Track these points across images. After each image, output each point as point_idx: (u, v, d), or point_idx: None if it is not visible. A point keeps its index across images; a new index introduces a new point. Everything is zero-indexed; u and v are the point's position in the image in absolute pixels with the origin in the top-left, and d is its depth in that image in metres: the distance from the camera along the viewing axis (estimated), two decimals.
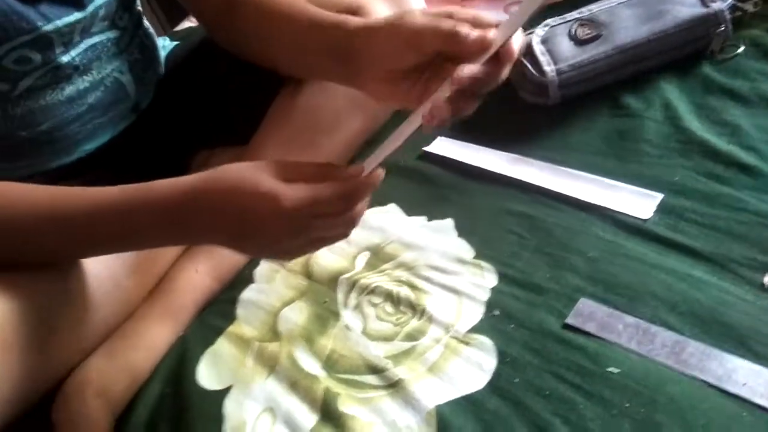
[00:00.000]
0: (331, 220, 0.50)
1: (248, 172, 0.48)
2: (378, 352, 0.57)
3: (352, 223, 0.52)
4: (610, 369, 0.49)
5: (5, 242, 0.52)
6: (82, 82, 0.67)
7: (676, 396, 0.46)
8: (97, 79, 0.69)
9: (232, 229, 0.50)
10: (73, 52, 0.65)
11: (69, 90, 0.67)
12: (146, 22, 0.79)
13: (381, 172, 0.50)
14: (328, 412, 0.53)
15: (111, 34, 0.69)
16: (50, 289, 0.55)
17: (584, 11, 0.79)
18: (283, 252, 0.55)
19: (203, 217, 0.49)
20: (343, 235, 0.53)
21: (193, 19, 1.21)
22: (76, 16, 0.63)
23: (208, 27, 0.72)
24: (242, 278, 0.68)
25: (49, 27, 0.61)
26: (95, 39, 0.67)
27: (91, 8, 0.64)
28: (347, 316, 0.61)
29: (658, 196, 0.61)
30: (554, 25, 0.79)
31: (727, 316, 0.50)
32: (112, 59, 0.70)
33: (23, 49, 0.60)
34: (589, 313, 0.54)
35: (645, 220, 0.60)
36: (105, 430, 0.56)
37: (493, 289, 0.59)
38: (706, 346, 0.49)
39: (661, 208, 0.60)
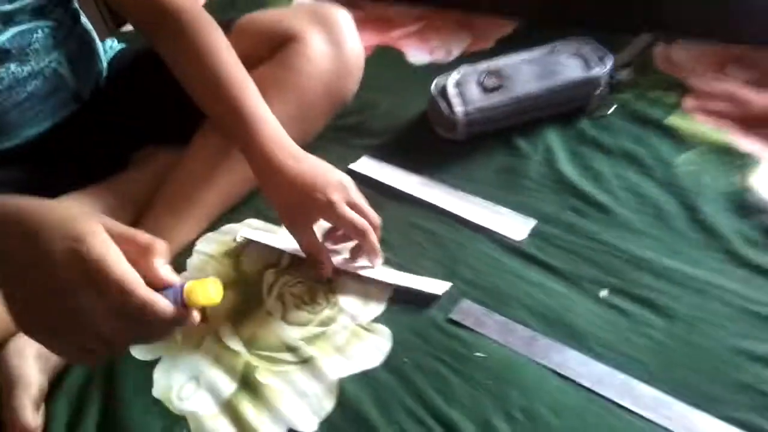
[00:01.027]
0: (131, 324, 0.41)
1: (68, 209, 0.42)
2: (294, 334, 0.67)
3: (147, 334, 0.43)
4: (478, 353, 0.61)
5: None
6: (21, 72, 0.72)
7: (525, 377, 0.59)
8: (36, 70, 0.74)
9: (14, 258, 0.40)
10: (2, 37, 0.69)
11: (9, 80, 0.71)
12: (84, 20, 0.84)
13: (196, 318, 0.44)
14: (246, 381, 0.63)
15: (41, 24, 0.73)
16: None
17: (492, 64, 0.92)
18: (65, 338, 0.42)
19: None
20: (115, 347, 0.42)
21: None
22: (6, 7, 0.68)
23: (141, 34, 0.78)
24: (175, 267, 0.76)
25: None
26: (23, 27, 0.71)
27: (17, 4, 0.69)
28: (269, 303, 0.71)
29: (532, 223, 0.74)
30: (467, 73, 0.92)
31: (570, 319, 0.64)
32: (50, 51, 0.75)
33: None
34: (468, 311, 0.66)
35: (520, 241, 0.73)
36: (41, 387, 0.62)
37: (395, 288, 0.70)
38: (550, 340, 0.62)
39: (534, 233, 0.73)
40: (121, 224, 0.43)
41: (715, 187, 0.75)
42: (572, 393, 0.58)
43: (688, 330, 0.61)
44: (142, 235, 0.43)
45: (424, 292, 0.67)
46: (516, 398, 0.58)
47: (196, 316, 0.44)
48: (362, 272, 0.70)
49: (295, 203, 0.66)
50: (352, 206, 0.67)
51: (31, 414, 0.59)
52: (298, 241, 0.69)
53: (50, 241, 0.39)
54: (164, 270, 0.43)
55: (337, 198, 0.66)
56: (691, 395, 0.56)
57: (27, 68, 0.73)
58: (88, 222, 0.40)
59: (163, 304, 0.41)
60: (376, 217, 0.69)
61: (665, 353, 0.60)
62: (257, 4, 1.21)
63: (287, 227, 0.69)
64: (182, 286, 0.43)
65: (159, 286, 0.42)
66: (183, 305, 0.43)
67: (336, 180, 0.67)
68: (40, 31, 0.73)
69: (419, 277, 0.69)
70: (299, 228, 0.69)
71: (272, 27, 0.86)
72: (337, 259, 0.71)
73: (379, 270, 0.71)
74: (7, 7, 0.69)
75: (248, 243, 0.78)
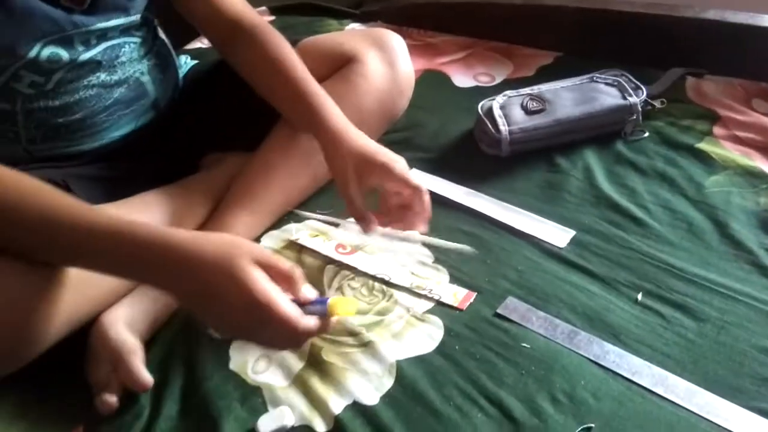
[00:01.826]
0: (280, 338, 0.57)
1: (235, 260, 0.53)
2: (354, 321, 0.74)
3: (297, 345, 0.64)
4: (524, 344, 0.68)
5: (12, 229, 0.57)
6: (109, 80, 0.80)
7: (567, 365, 0.65)
8: (122, 78, 0.82)
9: (195, 299, 0.55)
10: (94, 51, 0.77)
11: (98, 87, 0.79)
12: (163, 37, 0.93)
13: (333, 323, 0.59)
14: (313, 360, 0.69)
15: (128, 39, 0.82)
16: None
17: (535, 89, 1.00)
18: (230, 333, 0.64)
19: (174, 277, 0.54)
20: (288, 348, 0.65)
21: (203, 41, 1.39)
22: (101, 25, 0.76)
23: (217, 49, 0.88)
24: None
25: (75, 31, 0.73)
26: (113, 42, 0.79)
27: (114, 22, 0.78)
28: (330, 295, 0.78)
29: (572, 232, 0.81)
30: (511, 96, 1.00)
31: (608, 318, 0.70)
32: (134, 63, 0.83)
33: (53, 47, 0.72)
34: (514, 308, 0.73)
35: (561, 248, 0.80)
36: (140, 348, 0.69)
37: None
38: (591, 335, 0.68)
39: (573, 241, 0.80)
40: (264, 251, 0.57)
41: (742, 206, 0.81)
42: (611, 381, 0.64)
43: (717, 331, 0.68)
44: (282, 264, 0.57)
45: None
46: (559, 383, 0.64)
47: (333, 322, 0.60)
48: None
49: (357, 164, 0.73)
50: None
51: (146, 372, 0.67)
52: (349, 204, 0.75)
53: (223, 293, 0.53)
54: (310, 293, 0.59)
55: (397, 162, 0.73)
56: (719, 387, 0.62)
57: (114, 77, 0.81)
58: (248, 270, 0.53)
59: (314, 326, 0.57)
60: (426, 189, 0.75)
61: (696, 350, 0.66)
62: (312, 29, 1.31)
63: (342, 191, 0.75)
64: (326, 301, 0.58)
65: (306, 303, 0.58)
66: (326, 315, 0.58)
67: (391, 154, 0.75)
68: (127, 46, 0.82)
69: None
70: (352, 190, 0.74)
71: (333, 48, 0.95)
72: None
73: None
74: (104, 24, 0.78)
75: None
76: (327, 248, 0.84)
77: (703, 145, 0.92)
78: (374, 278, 0.78)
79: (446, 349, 0.69)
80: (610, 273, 0.75)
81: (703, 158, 0.90)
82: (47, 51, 0.73)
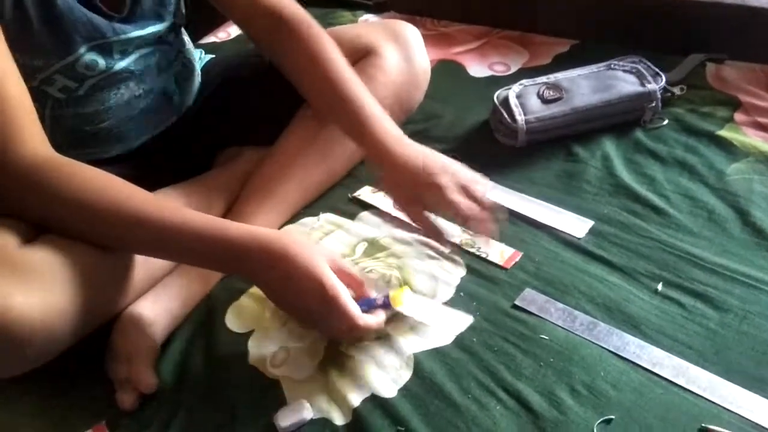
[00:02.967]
0: (341, 332, 0.64)
1: (314, 257, 0.62)
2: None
3: (356, 339, 0.68)
4: (542, 336, 0.67)
5: (99, 224, 0.63)
6: (138, 90, 0.80)
7: (587, 356, 0.65)
8: (149, 89, 0.82)
9: (275, 284, 0.63)
10: (128, 60, 0.78)
11: (128, 96, 0.80)
12: (188, 42, 0.93)
13: (382, 323, 0.66)
14: (331, 353, 0.70)
15: (160, 48, 0.82)
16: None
17: (551, 77, 0.99)
18: (298, 317, 0.68)
19: (261, 266, 0.62)
20: (348, 340, 0.69)
21: (218, 35, 1.39)
22: (138, 32, 0.77)
23: (255, 42, 0.85)
24: None
25: (115, 38, 0.74)
26: (145, 50, 0.80)
27: (151, 29, 0.78)
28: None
29: (590, 222, 0.80)
30: (527, 85, 0.99)
31: (628, 309, 0.70)
32: (162, 72, 0.83)
33: (92, 53, 0.73)
34: (532, 299, 0.72)
35: (579, 238, 0.79)
36: (156, 350, 0.71)
37: (462, 278, 0.77)
38: (610, 327, 0.68)
39: (592, 231, 0.79)
40: (342, 261, 0.66)
41: (764, 193, 0.80)
42: (631, 372, 0.63)
43: (739, 320, 0.67)
44: (352, 271, 0.67)
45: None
46: (578, 374, 0.63)
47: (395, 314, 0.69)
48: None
49: (407, 185, 0.74)
50: (464, 188, 0.73)
51: (152, 373, 0.68)
52: (412, 220, 0.78)
53: (299, 280, 0.61)
54: (373, 294, 0.68)
55: (445, 181, 0.72)
56: (741, 377, 0.62)
57: (143, 86, 0.81)
58: (324, 266, 0.62)
59: (373, 322, 0.65)
60: (485, 199, 0.74)
61: (718, 340, 0.65)
62: (326, 21, 1.31)
63: (400, 207, 0.78)
64: (387, 296, 0.67)
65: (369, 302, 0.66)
66: (388, 306, 0.67)
67: (440, 164, 0.74)
68: (157, 54, 0.82)
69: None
70: (412, 209, 0.77)
71: (352, 41, 0.94)
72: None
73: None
74: (140, 32, 0.77)
75: (324, 235, 0.85)
76: (386, 204, 0.87)
77: (724, 132, 0.91)
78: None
79: (464, 341, 0.69)
80: (629, 263, 0.75)
81: (725, 145, 0.89)
82: (87, 57, 0.73)
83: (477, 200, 0.73)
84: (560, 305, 0.71)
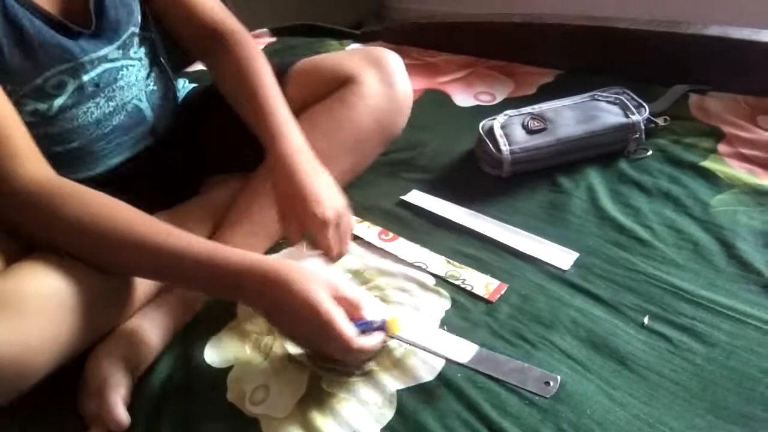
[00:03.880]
0: (339, 351, 0.64)
1: (311, 283, 0.62)
2: None
3: (356, 360, 0.68)
4: None
5: (99, 247, 0.64)
6: (107, 107, 0.80)
7: (573, 393, 0.64)
8: (120, 105, 0.81)
9: (272, 310, 0.64)
10: (92, 73, 0.77)
11: (97, 114, 0.79)
12: (162, 59, 0.92)
13: (379, 345, 0.66)
14: (312, 390, 0.68)
15: (127, 63, 0.81)
16: (91, 278, 0.67)
17: (536, 108, 0.99)
18: (298, 342, 0.68)
19: (259, 293, 0.63)
20: (349, 362, 0.68)
21: (197, 66, 1.39)
22: (106, 50, 0.77)
23: (198, 58, 0.91)
24: None
25: (85, 58, 0.74)
26: (112, 65, 0.79)
27: (117, 42, 0.78)
28: None
29: (575, 254, 0.80)
30: (512, 116, 0.99)
31: (614, 343, 0.68)
32: (132, 88, 0.82)
33: (62, 75, 0.73)
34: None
35: (564, 271, 0.78)
36: (128, 386, 0.68)
37: (447, 311, 0.75)
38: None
39: (577, 263, 0.79)
40: (335, 280, 0.65)
41: (749, 225, 0.80)
42: (618, 410, 0.62)
43: (726, 355, 0.66)
44: (349, 292, 0.66)
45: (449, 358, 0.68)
46: (565, 413, 0.62)
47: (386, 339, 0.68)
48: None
49: (294, 207, 0.74)
50: (342, 231, 0.75)
51: (123, 411, 0.65)
52: (286, 234, 0.78)
53: (295, 306, 0.62)
54: (371, 317, 0.67)
55: (329, 218, 0.73)
56: (729, 414, 0.60)
57: (113, 103, 0.80)
58: (319, 292, 0.62)
59: (368, 344, 0.65)
60: (346, 249, 0.77)
61: (705, 376, 0.64)
62: (313, 50, 1.31)
63: (280, 220, 0.77)
64: (384, 321, 0.66)
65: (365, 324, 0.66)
66: (383, 330, 0.67)
67: (334, 204, 0.75)
68: (125, 69, 0.81)
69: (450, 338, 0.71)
70: (291, 228, 0.76)
71: (332, 69, 0.95)
72: None
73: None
74: (106, 49, 0.77)
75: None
76: (370, 234, 0.86)
77: (708, 164, 0.91)
78: (411, 265, 0.81)
79: (448, 377, 0.67)
80: (615, 296, 0.74)
81: (709, 177, 0.89)
82: (56, 78, 0.73)
83: (342, 246, 0.76)
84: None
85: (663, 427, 0.60)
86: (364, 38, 1.39)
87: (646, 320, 0.71)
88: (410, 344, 0.69)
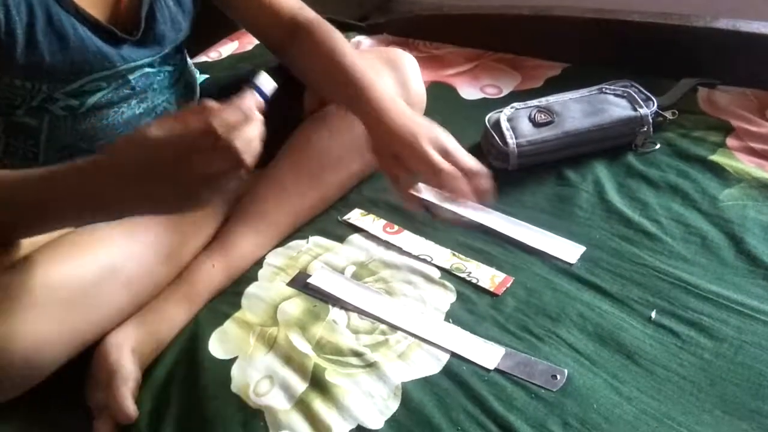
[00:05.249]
0: (206, 155, 0.51)
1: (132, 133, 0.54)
2: (358, 341, 0.72)
3: (231, 156, 0.51)
4: None
5: None
6: (138, 108, 0.79)
7: (580, 387, 0.63)
8: (150, 107, 0.81)
9: (126, 184, 0.53)
10: (130, 77, 0.76)
11: (128, 114, 0.78)
12: (190, 62, 0.93)
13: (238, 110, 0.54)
14: (316, 381, 0.68)
15: (163, 68, 0.81)
16: (100, 270, 0.68)
17: (543, 101, 0.99)
18: (183, 197, 0.54)
19: (105, 180, 0.55)
20: (230, 170, 0.52)
21: (209, 54, 1.38)
22: (148, 59, 0.77)
23: (274, 52, 0.88)
24: (248, 276, 0.82)
25: (125, 66, 0.74)
26: (148, 69, 0.79)
27: (159, 55, 0.78)
28: (334, 312, 0.76)
29: (582, 248, 0.79)
30: (519, 108, 0.99)
31: (621, 337, 0.68)
32: (164, 91, 0.82)
33: (99, 81, 0.73)
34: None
35: (571, 264, 0.77)
36: (137, 379, 0.68)
37: (452, 304, 0.75)
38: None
39: (584, 257, 0.78)
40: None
41: (758, 220, 0.79)
42: (624, 404, 0.62)
43: (735, 350, 0.65)
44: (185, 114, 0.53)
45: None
46: (571, 407, 0.62)
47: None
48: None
49: (388, 145, 0.74)
50: (444, 153, 0.71)
51: (131, 403, 0.65)
52: (393, 185, 0.77)
53: (133, 160, 0.53)
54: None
55: (423, 140, 0.71)
56: (737, 409, 0.60)
57: (144, 105, 0.80)
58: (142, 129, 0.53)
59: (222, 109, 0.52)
60: (473, 165, 0.72)
61: (712, 371, 0.64)
62: None
63: (383, 170, 0.78)
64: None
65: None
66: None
67: (426, 126, 0.73)
68: (161, 74, 0.81)
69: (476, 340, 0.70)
70: (391, 171, 0.75)
71: None
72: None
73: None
74: (148, 59, 0.77)
75: (313, 258, 0.83)
76: (375, 227, 0.86)
77: (716, 157, 0.90)
78: (416, 258, 0.80)
79: (453, 369, 0.67)
80: (622, 290, 0.73)
81: (717, 171, 0.88)
82: (93, 84, 0.73)
83: (459, 165, 0.71)
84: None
85: (670, 422, 0.60)
86: (370, 30, 1.38)
87: (653, 314, 0.70)
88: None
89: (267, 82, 0.58)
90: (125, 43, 0.74)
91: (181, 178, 0.52)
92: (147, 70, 0.79)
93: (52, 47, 0.67)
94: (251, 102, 0.57)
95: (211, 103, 0.52)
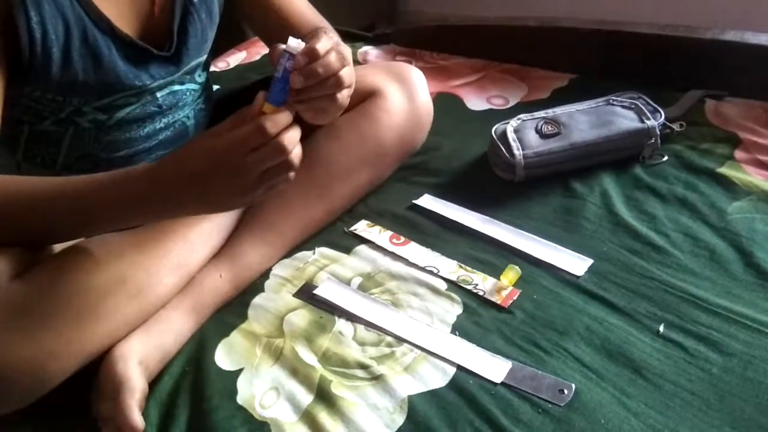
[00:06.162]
0: (260, 152, 0.57)
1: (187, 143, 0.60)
2: (364, 353, 0.72)
3: (282, 151, 0.57)
4: None
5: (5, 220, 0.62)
6: (159, 123, 0.81)
7: (587, 402, 0.63)
8: (171, 122, 0.82)
9: (187, 188, 0.59)
10: (158, 94, 0.78)
11: (149, 128, 0.80)
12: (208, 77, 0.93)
13: (288, 114, 0.59)
14: (322, 393, 0.67)
15: (190, 86, 0.83)
16: (108, 281, 0.68)
17: (549, 112, 0.99)
18: (238, 194, 0.60)
19: (169, 175, 0.59)
20: (285, 166, 0.59)
21: (218, 65, 1.39)
22: (176, 75, 0.78)
23: None
24: (254, 287, 0.82)
25: (153, 84, 0.76)
26: (176, 87, 0.80)
27: (186, 68, 0.79)
28: (341, 324, 0.76)
29: (590, 261, 0.79)
30: (525, 120, 0.98)
31: (629, 351, 0.68)
32: (185, 107, 0.84)
33: (129, 97, 0.75)
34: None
35: (578, 277, 0.77)
36: (143, 390, 0.68)
37: (459, 316, 0.75)
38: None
39: (591, 270, 0.78)
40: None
41: (767, 233, 0.78)
42: (632, 419, 0.61)
43: (744, 365, 0.65)
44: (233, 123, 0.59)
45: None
46: (578, 422, 0.61)
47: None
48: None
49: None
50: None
51: (138, 415, 0.65)
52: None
53: (194, 163, 0.59)
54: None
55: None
56: (746, 426, 0.60)
57: (165, 120, 0.81)
58: (199, 139, 0.60)
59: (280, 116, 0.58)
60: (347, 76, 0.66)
61: (721, 386, 0.63)
62: None
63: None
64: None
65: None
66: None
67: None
68: (188, 93, 0.83)
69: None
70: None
71: (357, 82, 0.94)
72: None
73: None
74: (174, 75, 0.78)
75: (319, 269, 0.83)
76: (382, 239, 0.86)
77: (724, 170, 0.90)
78: (423, 270, 0.80)
79: (460, 382, 0.67)
80: (630, 304, 0.73)
81: (725, 183, 0.88)
82: (122, 101, 0.74)
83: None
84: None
85: None
86: (376, 41, 1.39)
87: (661, 328, 0.70)
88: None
89: (296, 45, 0.60)
90: (156, 59, 0.75)
91: (238, 177, 0.58)
92: (175, 87, 0.80)
93: (86, 66, 0.69)
94: (288, 64, 0.59)
95: (261, 94, 0.58)
